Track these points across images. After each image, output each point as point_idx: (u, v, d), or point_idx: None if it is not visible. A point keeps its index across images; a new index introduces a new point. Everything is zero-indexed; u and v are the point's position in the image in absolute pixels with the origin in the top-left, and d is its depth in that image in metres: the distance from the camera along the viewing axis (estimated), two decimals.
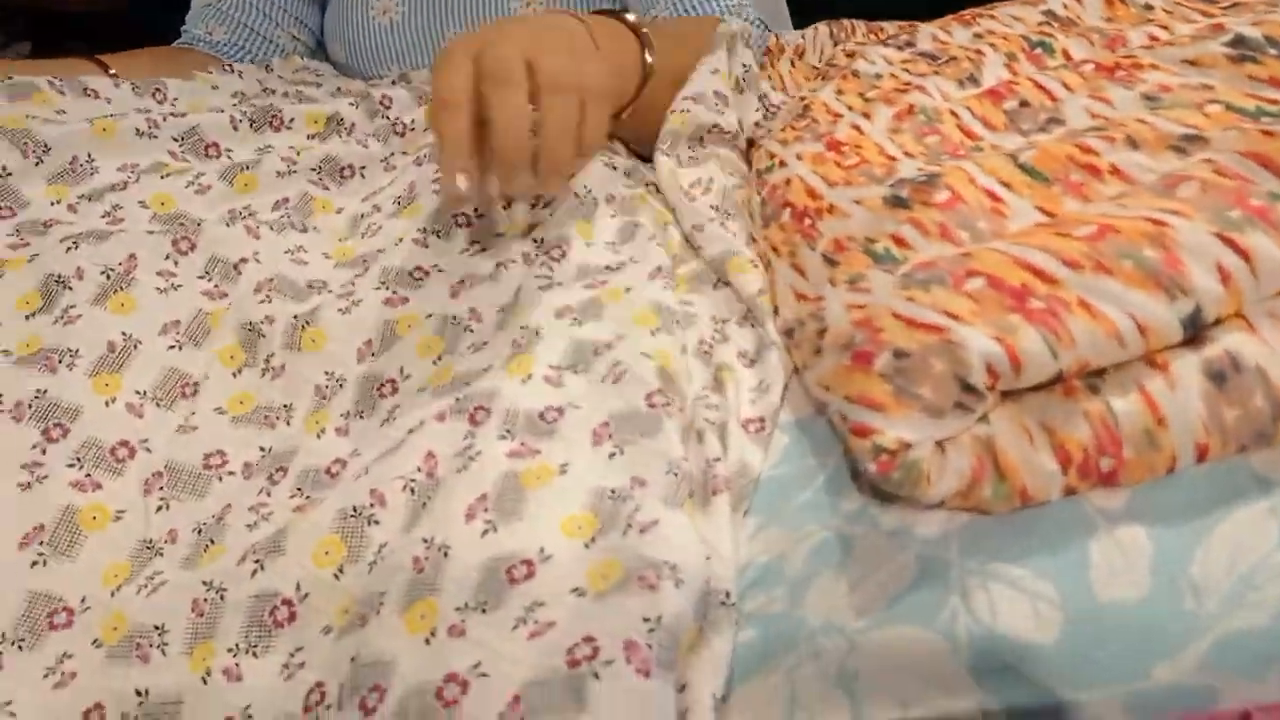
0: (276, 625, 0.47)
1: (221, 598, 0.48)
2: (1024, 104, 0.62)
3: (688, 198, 0.69)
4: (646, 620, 0.43)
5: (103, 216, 0.66)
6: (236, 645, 0.46)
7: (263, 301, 0.62)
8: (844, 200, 0.60)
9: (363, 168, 0.75)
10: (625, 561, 0.45)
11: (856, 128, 0.66)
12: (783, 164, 0.67)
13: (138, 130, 0.71)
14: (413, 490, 0.50)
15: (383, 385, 0.59)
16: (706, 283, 0.66)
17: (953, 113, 0.64)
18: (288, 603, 0.47)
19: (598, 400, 0.53)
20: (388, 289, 0.64)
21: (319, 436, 0.57)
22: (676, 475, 0.49)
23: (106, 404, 0.55)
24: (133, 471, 0.54)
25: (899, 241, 0.54)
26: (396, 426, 0.55)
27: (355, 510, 0.49)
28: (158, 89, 0.80)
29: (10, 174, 0.66)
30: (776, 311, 0.62)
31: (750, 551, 0.49)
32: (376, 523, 0.48)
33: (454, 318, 0.62)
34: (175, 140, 0.72)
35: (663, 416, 0.52)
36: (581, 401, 0.53)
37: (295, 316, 0.62)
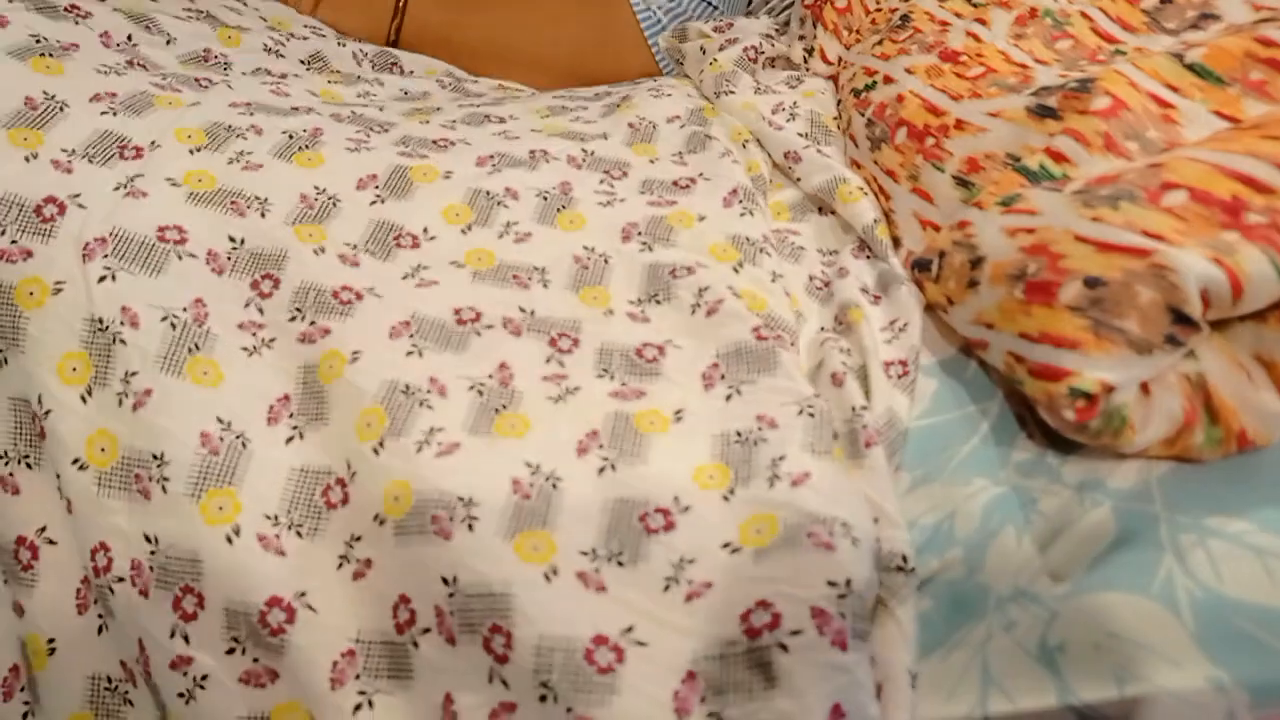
0: (330, 506, 0.42)
1: (244, 445, 0.43)
2: (1166, 0, 0.56)
3: (771, 126, 0.62)
4: (833, 585, 0.38)
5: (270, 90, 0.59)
6: (275, 516, 0.42)
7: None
8: (975, 115, 0.53)
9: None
10: (783, 516, 0.40)
11: (973, 35, 0.59)
12: (889, 80, 0.61)
13: (265, 46, 0.64)
14: (480, 392, 0.45)
15: (400, 236, 0.52)
16: (808, 211, 0.60)
17: (1084, 14, 0.58)
18: (341, 483, 0.42)
19: (697, 337, 0.48)
20: (406, 145, 0.57)
21: (318, 253, 0.49)
22: (814, 416, 0.44)
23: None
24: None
25: (1057, 157, 0.48)
26: (433, 294, 0.49)
27: (408, 389, 0.43)
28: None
29: (136, 44, 0.57)
30: (897, 243, 0.56)
31: (912, 510, 0.43)
32: (430, 408, 0.43)
33: (486, 192, 0.55)
34: (302, 62, 0.65)
35: (777, 349, 0.46)
36: (681, 339, 0.48)
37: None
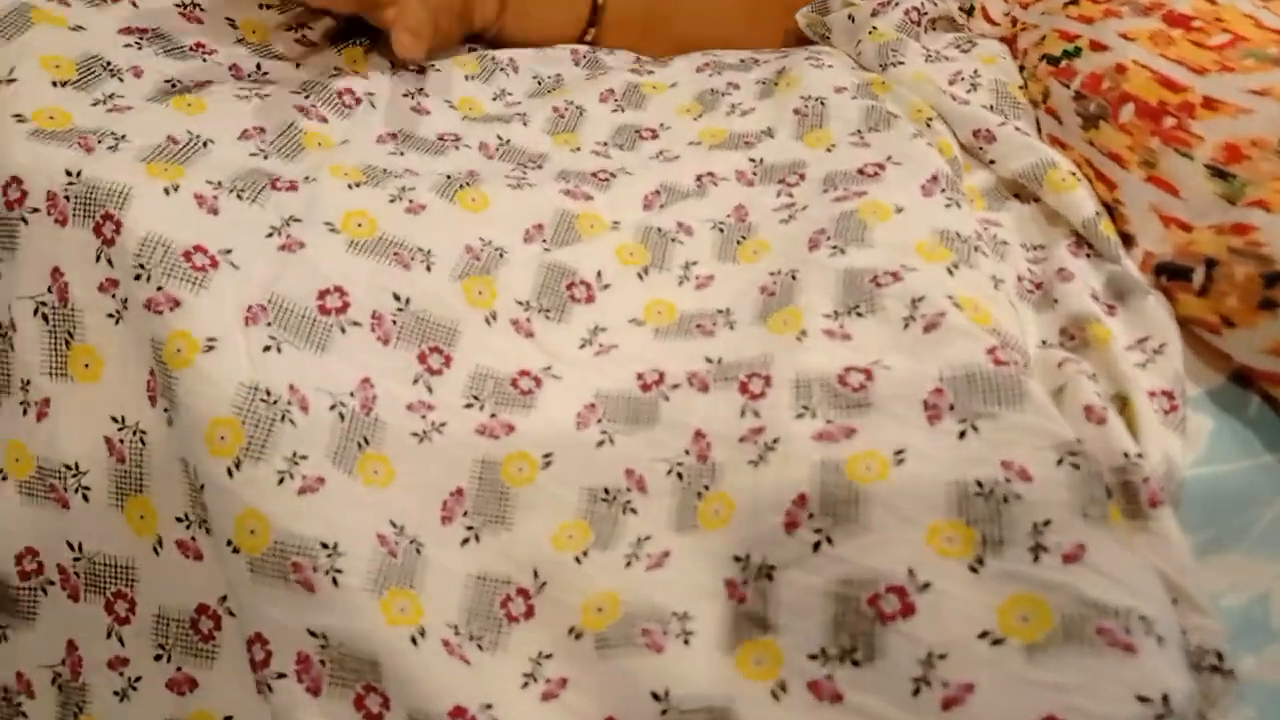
0: (510, 619, 0.38)
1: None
2: None
3: (955, 100, 0.54)
4: (1145, 700, 0.30)
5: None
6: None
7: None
8: (1231, 92, 0.45)
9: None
10: (1057, 603, 0.33)
11: None
12: (1099, 46, 0.51)
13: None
14: (680, 475, 0.40)
15: (573, 285, 0.46)
16: (1004, 198, 0.51)
17: None
18: (524, 593, 0.39)
19: (913, 356, 0.40)
20: (566, 183, 0.50)
21: (489, 322, 0.44)
22: (1079, 468, 0.36)
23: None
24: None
25: None
26: (614, 364, 0.44)
27: (607, 494, 0.40)
28: None
29: (266, 73, 0.52)
30: (1127, 241, 0.47)
31: (1206, 587, 0.35)
32: (634, 511, 0.40)
33: (659, 229, 0.48)
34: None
35: (1022, 379, 0.38)
36: (892, 357, 0.40)
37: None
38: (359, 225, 0.44)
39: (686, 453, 0.41)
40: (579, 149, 0.54)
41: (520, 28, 0.61)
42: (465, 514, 0.40)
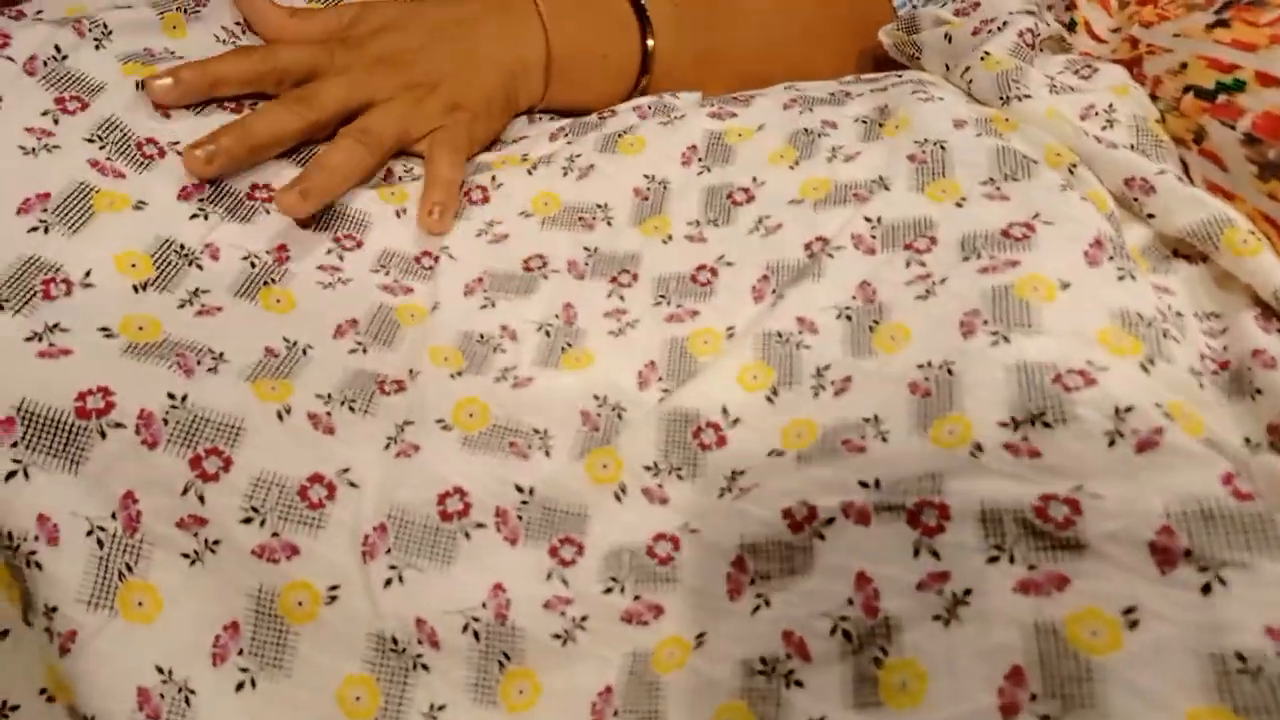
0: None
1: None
2: None
3: (1101, 143, 0.46)
4: None
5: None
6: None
7: None
8: None
9: None
10: None
11: None
12: (1273, 81, 0.45)
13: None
14: (847, 635, 0.34)
15: (700, 431, 0.41)
16: (1167, 258, 0.45)
17: None
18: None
19: (1129, 482, 0.33)
20: (667, 304, 0.45)
21: (619, 498, 0.40)
22: None
23: None
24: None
25: None
26: (753, 501, 0.38)
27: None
28: None
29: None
30: None
31: None
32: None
33: (777, 334, 0.42)
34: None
35: (1276, 518, 0.32)
36: (1100, 483, 0.34)
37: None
38: (470, 416, 0.40)
39: (850, 602, 0.34)
40: (670, 238, 0.47)
41: (569, 97, 0.55)
42: (615, 714, 0.35)
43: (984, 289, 0.39)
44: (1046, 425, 0.35)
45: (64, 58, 0.45)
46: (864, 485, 0.36)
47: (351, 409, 0.39)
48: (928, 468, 0.35)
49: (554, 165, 0.50)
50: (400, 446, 0.39)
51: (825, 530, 0.36)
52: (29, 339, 0.37)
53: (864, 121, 0.50)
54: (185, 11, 0.50)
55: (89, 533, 0.35)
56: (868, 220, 0.44)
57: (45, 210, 0.40)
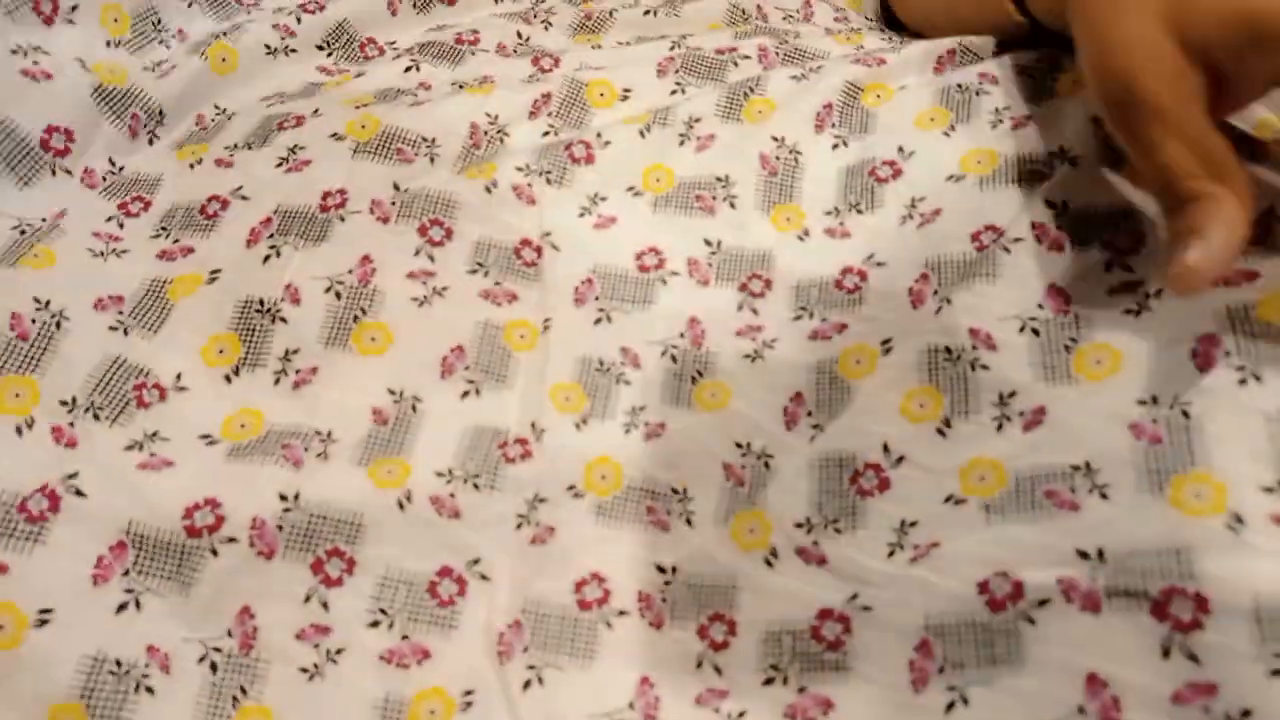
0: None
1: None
2: None
3: None
4: None
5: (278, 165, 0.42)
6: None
7: None
8: None
9: None
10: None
11: None
12: None
13: (267, 47, 0.47)
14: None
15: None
16: None
17: None
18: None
19: None
20: (809, 317, 0.39)
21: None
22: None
23: None
24: None
25: None
26: None
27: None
28: None
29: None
30: None
31: None
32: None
33: (947, 350, 0.35)
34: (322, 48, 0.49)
35: None
36: None
37: None
38: (603, 479, 0.36)
39: (1080, 711, 0.28)
40: (807, 233, 0.41)
41: None
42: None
43: (1219, 309, 0.32)
44: None
45: (120, 169, 0.43)
46: (1084, 556, 0.29)
47: (476, 486, 0.35)
48: (1171, 541, 0.29)
49: (669, 129, 0.43)
50: (535, 531, 0.35)
51: (1036, 613, 0.29)
52: (128, 448, 0.35)
53: (1030, 74, 0.42)
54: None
55: (202, 658, 0.32)
56: (1050, 205, 0.37)
57: (121, 313, 0.37)
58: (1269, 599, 0.27)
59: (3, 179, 0.39)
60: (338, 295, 0.38)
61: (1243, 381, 0.30)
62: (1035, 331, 0.34)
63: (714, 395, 0.37)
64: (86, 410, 0.35)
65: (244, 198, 0.41)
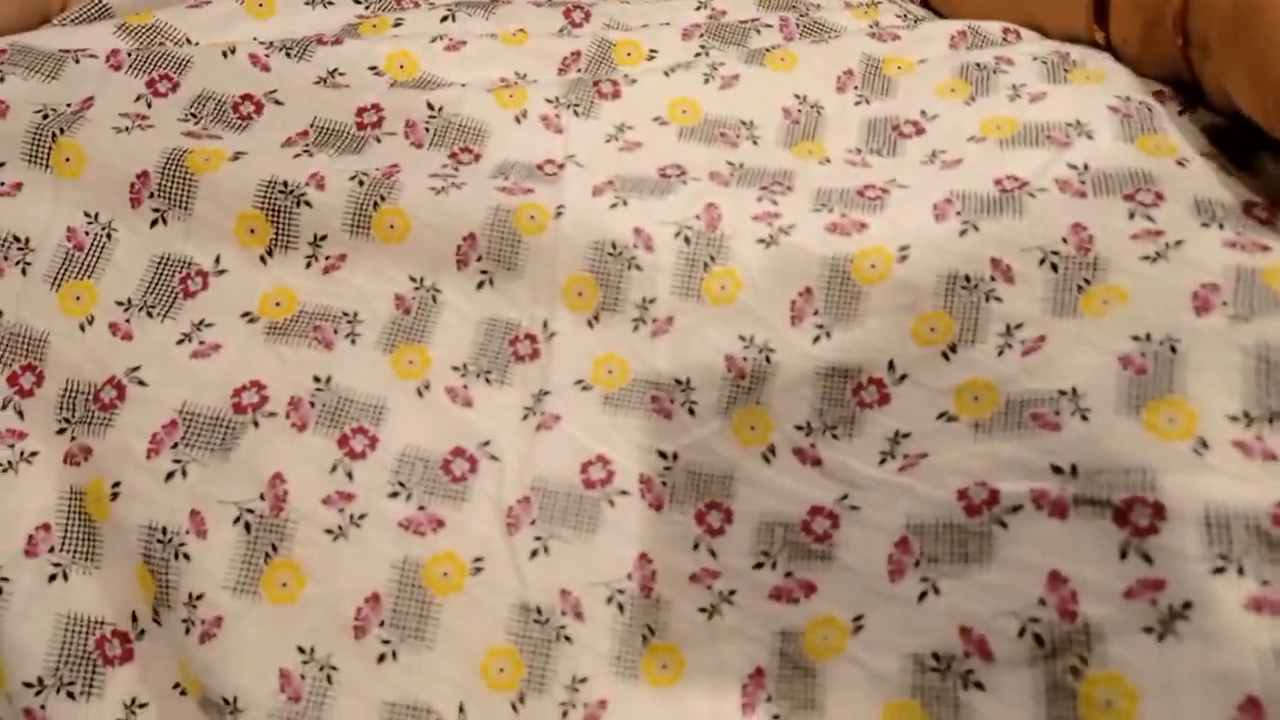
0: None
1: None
2: None
3: None
4: None
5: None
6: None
7: None
8: None
9: None
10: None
11: None
12: None
13: None
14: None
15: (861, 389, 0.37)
16: None
17: None
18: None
19: None
20: (829, 211, 0.40)
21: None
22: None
23: None
24: None
25: None
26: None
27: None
28: None
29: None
30: None
31: None
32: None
33: (966, 278, 0.37)
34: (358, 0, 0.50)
35: None
36: None
37: None
38: (610, 373, 0.38)
39: (1041, 603, 0.30)
40: (828, 160, 0.43)
41: None
42: (769, 700, 0.33)
43: (1228, 264, 0.34)
44: None
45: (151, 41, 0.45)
46: (1058, 471, 0.32)
47: (488, 380, 0.38)
48: (1139, 459, 0.31)
49: (694, 71, 0.45)
50: (540, 419, 0.37)
51: (1009, 518, 0.32)
52: (180, 342, 0.38)
53: (1044, 62, 0.44)
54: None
55: (236, 519, 0.35)
56: (1073, 167, 0.39)
57: (152, 195, 0.40)
58: (1218, 508, 0.29)
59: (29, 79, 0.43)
60: (360, 183, 0.40)
61: (1232, 320, 0.33)
62: (1054, 267, 0.36)
63: (723, 288, 0.38)
64: (140, 309, 0.39)
65: (278, 102, 0.43)
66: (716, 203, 0.39)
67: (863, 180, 0.40)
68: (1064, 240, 0.36)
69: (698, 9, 0.50)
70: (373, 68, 0.45)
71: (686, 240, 0.39)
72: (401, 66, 0.45)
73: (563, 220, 0.39)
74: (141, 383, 0.38)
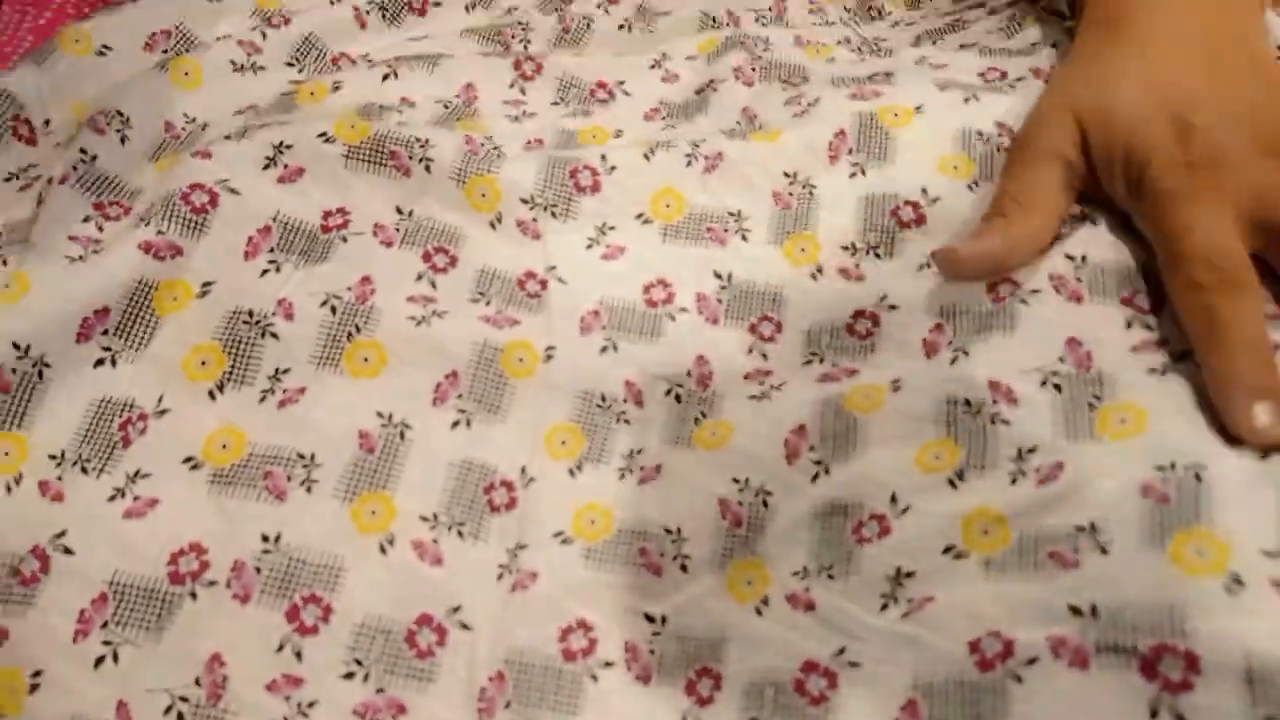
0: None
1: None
2: None
3: None
4: None
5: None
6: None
7: None
8: None
9: None
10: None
11: None
12: None
13: (233, 64, 0.45)
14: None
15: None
16: None
17: None
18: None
19: None
20: (820, 361, 0.39)
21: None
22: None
23: None
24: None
25: None
26: None
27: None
28: None
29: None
30: None
31: None
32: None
33: (965, 403, 0.34)
34: (291, 64, 0.46)
35: None
36: None
37: None
38: (592, 523, 0.36)
39: None
40: (820, 270, 0.40)
41: None
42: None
43: None
44: None
45: (93, 158, 0.40)
46: (1076, 612, 0.28)
47: (460, 534, 0.34)
48: (1166, 596, 0.27)
49: (674, 152, 0.42)
50: (516, 577, 0.34)
51: (1024, 671, 0.28)
52: (111, 498, 0.34)
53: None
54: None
55: (168, 709, 0.31)
56: (1069, 258, 0.36)
57: (107, 332, 0.36)
58: (1261, 660, 0.25)
59: None
60: (333, 310, 0.37)
61: (1265, 455, 0.29)
62: (1058, 387, 0.33)
63: (714, 434, 0.36)
64: (74, 464, 0.34)
65: (234, 191, 0.38)
66: (707, 357, 0.38)
67: (854, 305, 0.38)
68: (1060, 359, 0.33)
69: (652, 67, 0.47)
70: (322, 134, 0.40)
71: (678, 399, 0.37)
72: (353, 127, 0.41)
73: (552, 365, 0.37)
74: (68, 550, 0.32)
